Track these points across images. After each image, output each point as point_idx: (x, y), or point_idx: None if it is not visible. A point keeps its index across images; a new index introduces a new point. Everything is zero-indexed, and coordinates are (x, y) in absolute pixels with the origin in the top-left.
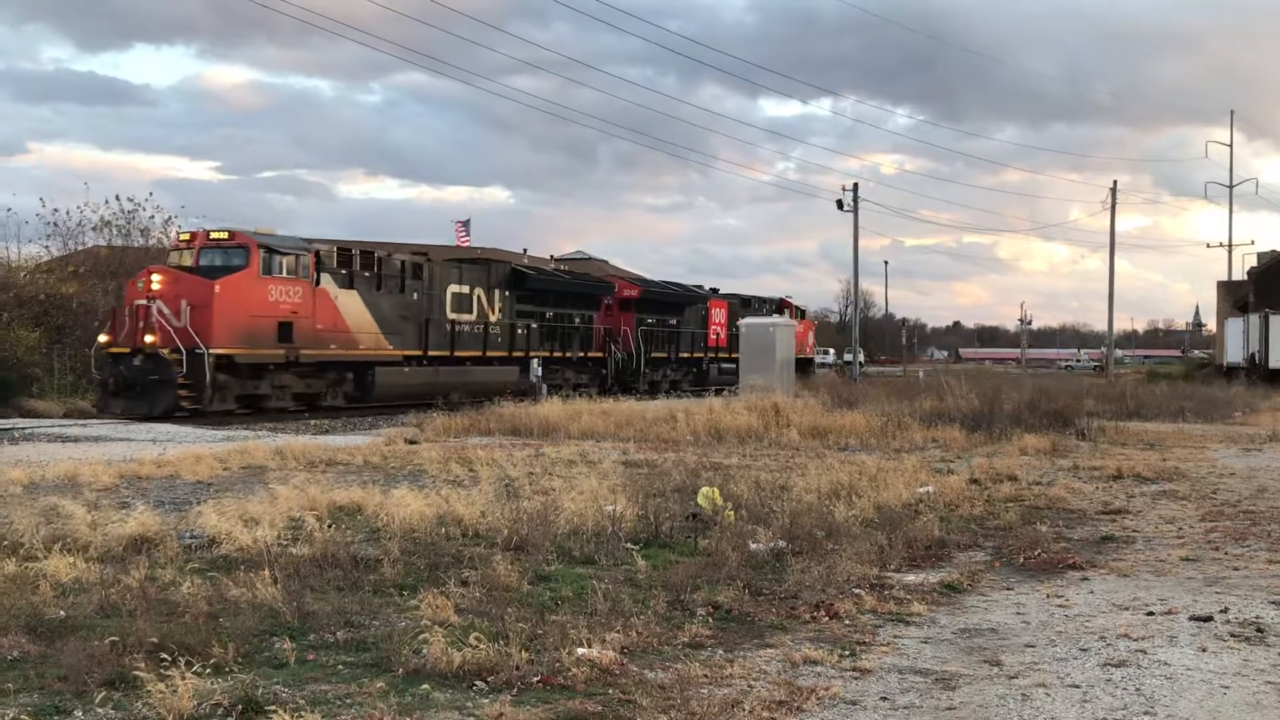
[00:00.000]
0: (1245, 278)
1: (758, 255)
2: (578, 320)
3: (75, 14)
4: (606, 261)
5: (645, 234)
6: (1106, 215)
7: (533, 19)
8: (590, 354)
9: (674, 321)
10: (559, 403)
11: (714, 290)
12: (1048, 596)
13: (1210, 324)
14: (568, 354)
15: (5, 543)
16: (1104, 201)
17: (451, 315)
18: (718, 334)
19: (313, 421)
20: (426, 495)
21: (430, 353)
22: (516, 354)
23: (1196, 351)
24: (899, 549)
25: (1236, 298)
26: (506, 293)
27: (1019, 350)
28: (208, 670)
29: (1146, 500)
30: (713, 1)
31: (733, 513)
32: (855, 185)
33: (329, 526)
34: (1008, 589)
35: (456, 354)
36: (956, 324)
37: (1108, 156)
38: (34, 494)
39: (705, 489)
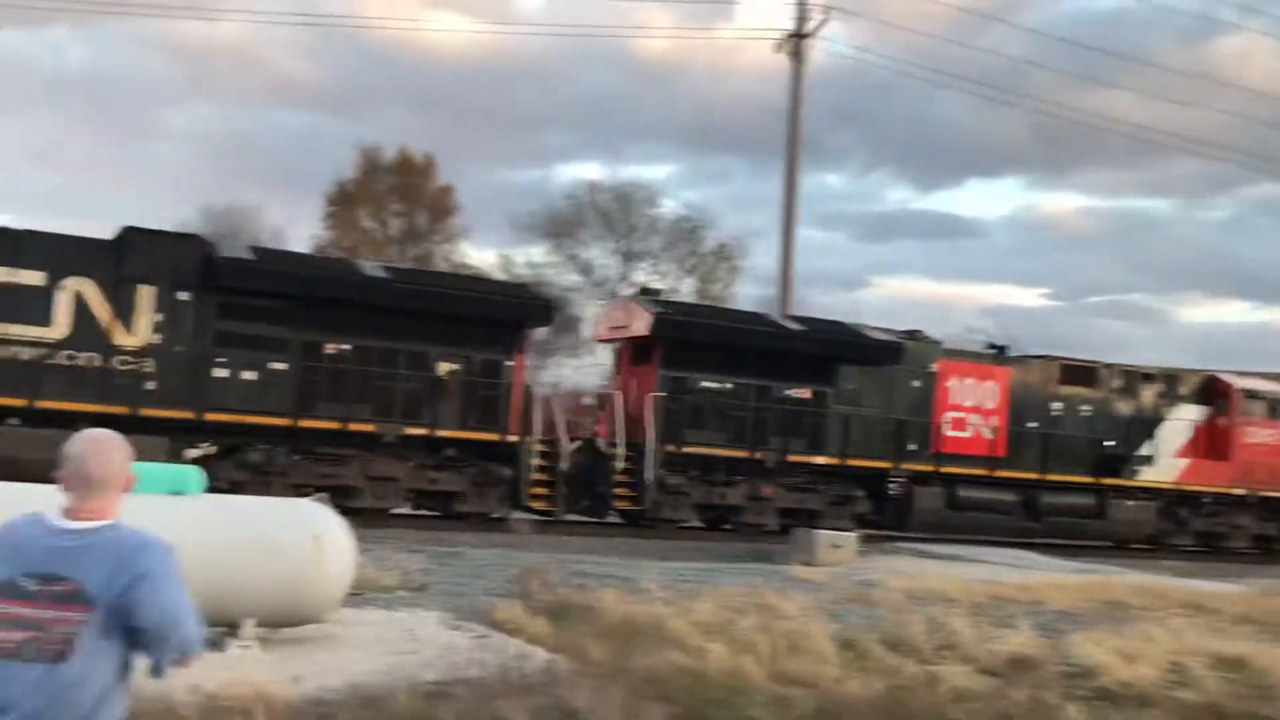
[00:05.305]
0: None
1: None
2: (442, 364)
3: (915, 159)
4: None
5: None
6: None
7: None
8: (478, 433)
9: (791, 393)
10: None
11: (996, 348)
12: None
13: None
14: (378, 427)
15: (904, 646)
16: None
17: None
18: (971, 426)
19: (1165, 563)
20: None
21: None
22: (172, 413)
23: None
24: None
25: None
26: (183, 295)
27: None
28: None
29: None
30: None
31: None
32: None
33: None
34: None
35: None
36: None
37: None
38: (913, 603)
39: None
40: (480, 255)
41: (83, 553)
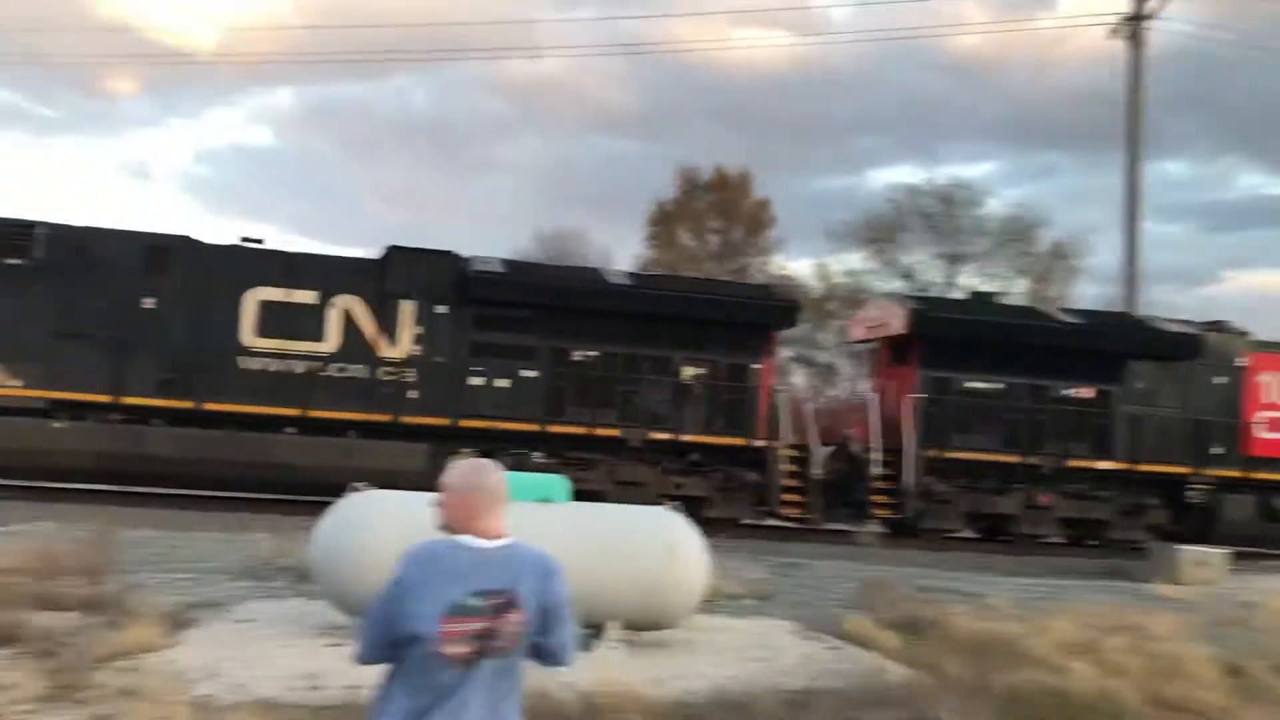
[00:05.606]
0: None
1: None
2: (687, 369)
3: (1270, 139)
4: None
5: None
6: None
7: None
8: (724, 438)
9: (1070, 392)
10: None
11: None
12: None
13: None
14: (623, 432)
15: None
16: None
17: (257, 341)
18: None
19: None
20: None
21: (155, 401)
22: (431, 420)
23: None
24: None
25: None
26: (439, 309)
27: None
28: None
29: None
30: None
31: None
32: None
33: None
34: None
35: (243, 408)
36: None
37: None
38: None
39: None
40: (796, 265)
41: (507, 566)
